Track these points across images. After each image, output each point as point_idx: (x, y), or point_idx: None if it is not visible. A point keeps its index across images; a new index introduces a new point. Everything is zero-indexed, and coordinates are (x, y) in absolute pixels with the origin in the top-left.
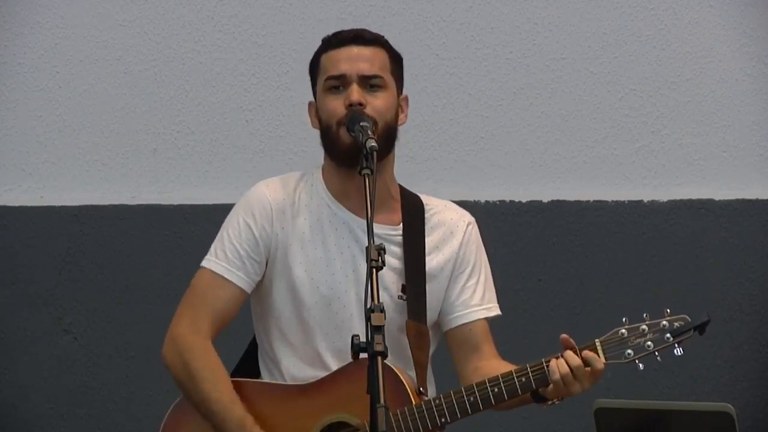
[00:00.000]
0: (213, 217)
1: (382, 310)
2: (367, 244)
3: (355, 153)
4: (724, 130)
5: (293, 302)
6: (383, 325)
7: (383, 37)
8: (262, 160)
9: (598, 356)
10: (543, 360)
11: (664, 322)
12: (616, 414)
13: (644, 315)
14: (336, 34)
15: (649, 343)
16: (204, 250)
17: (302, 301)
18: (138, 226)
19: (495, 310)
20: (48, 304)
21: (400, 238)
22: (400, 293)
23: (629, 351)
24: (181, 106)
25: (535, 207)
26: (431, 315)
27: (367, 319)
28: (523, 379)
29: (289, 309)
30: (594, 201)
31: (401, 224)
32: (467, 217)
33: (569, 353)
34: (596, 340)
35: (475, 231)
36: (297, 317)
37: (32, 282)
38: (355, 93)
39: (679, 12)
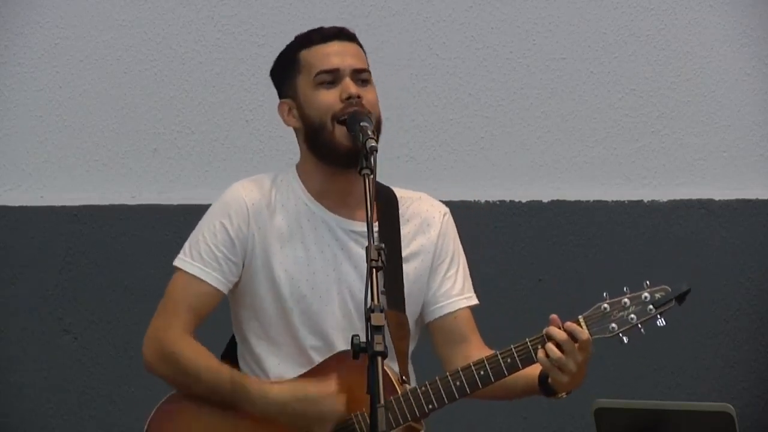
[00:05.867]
0: None
1: (382, 310)
2: (347, 243)
3: (353, 154)
4: (724, 130)
5: (275, 302)
6: (383, 325)
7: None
8: (262, 160)
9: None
10: (527, 340)
11: (646, 294)
12: (616, 414)
13: (625, 288)
14: (316, 30)
15: (632, 315)
16: None
17: (284, 300)
18: (138, 226)
19: (474, 300)
20: (48, 304)
21: (377, 234)
22: (382, 288)
23: (613, 325)
24: (181, 106)
25: (535, 207)
26: (413, 306)
27: (367, 319)
28: (509, 360)
29: (272, 308)
30: (594, 201)
31: (377, 221)
32: (442, 208)
33: (553, 328)
34: (579, 316)
35: (450, 221)
36: (280, 317)
37: (32, 282)
38: (352, 86)
39: (679, 12)
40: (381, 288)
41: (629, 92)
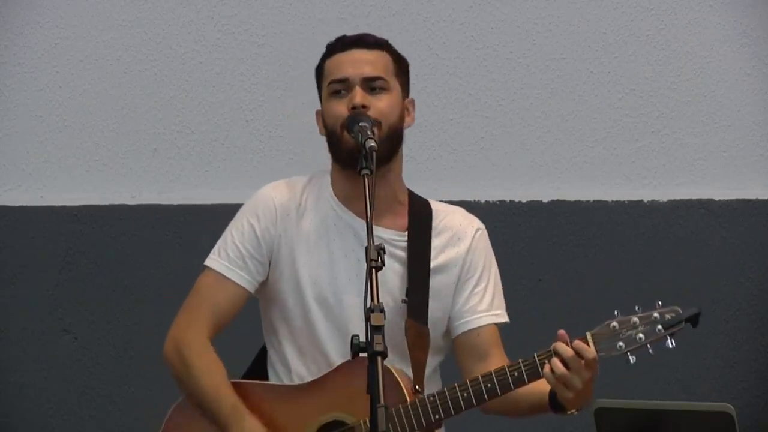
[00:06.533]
0: (213, 217)
1: (382, 310)
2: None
3: (357, 155)
4: (724, 130)
5: (299, 303)
6: (383, 325)
7: (387, 41)
8: (262, 160)
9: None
10: (535, 354)
11: (656, 314)
12: (616, 414)
13: (636, 307)
14: (339, 39)
15: (640, 335)
16: (204, 250)
17: (307, 302)
18: (138, 226)
19: (503, 317)
20: (48, 304)
21: (405, 243)
22: (404, 297)
23: (621, 343)
24: (181, 106)
25: (535, 207)
26: (437, 319)
27: (367, 319)
28: (516, 374)
29: (296, 310)
30: (594, 201)
31: (407, 231)
32: (476, 223)
33: (560, 344)
34: (588, 332)
35: (483, 237)
36: (303, 318)
37: (32, 282)
38: (358, 96)
39: (679, 12)
40: (404, 297)
41: (629, 92)
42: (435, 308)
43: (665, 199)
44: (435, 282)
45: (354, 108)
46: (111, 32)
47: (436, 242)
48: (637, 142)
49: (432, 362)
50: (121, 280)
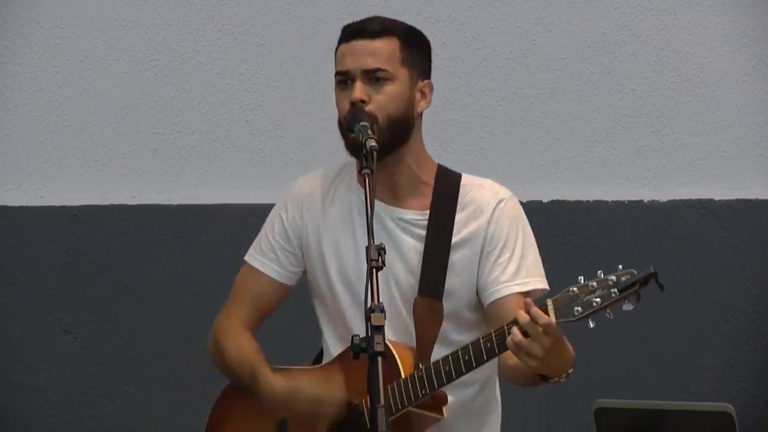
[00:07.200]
0: (213, 217)
1: (383, 310)
2: (395, 232)
3: (360, 150)
4: (724, 130)
5: (329, 290)
6: (383, 325)
7: (397, 23)
8: (262, 160)
9: (548, 315)
10: (504, 324)
11: (612, 278)
12: (616, 414)
13: (599, 272)
14: (346, 27)
15: (596, 299)
16: (204, 250)
17: (335, 288)
18: (138, 226)
19: (533, 285)
20: (48, 304)
21: (425, 222)
22: (419, 275)
23: (578, 308)
24: (181, 106)
25: (535, 207)
26: (461, 293)
27: (367, 319)
28: (488, 345)
29: (328, 296)
30: (594, 201)
31: (429, 209)
32: (501, 193)
33: (520, 312)
34: (548, 300)
35: (507, 207)
36: (334, 305)
37: (32, 282)
38: (357, 90)
39: (679, 12)
40: (418, 275)
41: (629, 92)
42: (457, 282)
43: (665, 199)
44: (458, 256)
45: (353, 104)
46: (111, 32)
47: (459, 216)
48: (637, 142)
49: (466, 340)
50: (121, 280)
